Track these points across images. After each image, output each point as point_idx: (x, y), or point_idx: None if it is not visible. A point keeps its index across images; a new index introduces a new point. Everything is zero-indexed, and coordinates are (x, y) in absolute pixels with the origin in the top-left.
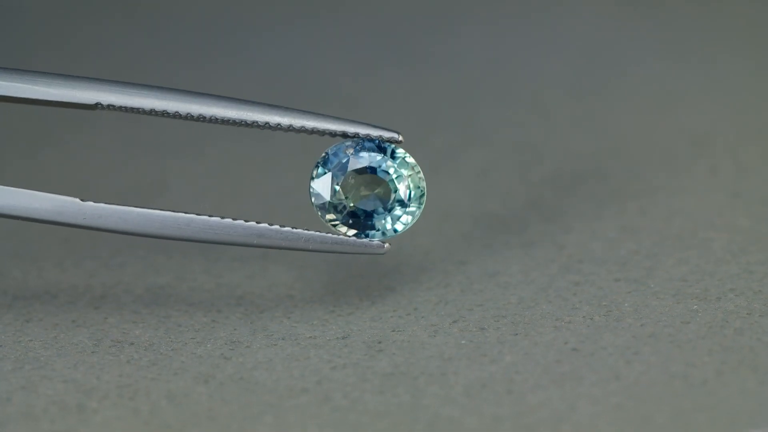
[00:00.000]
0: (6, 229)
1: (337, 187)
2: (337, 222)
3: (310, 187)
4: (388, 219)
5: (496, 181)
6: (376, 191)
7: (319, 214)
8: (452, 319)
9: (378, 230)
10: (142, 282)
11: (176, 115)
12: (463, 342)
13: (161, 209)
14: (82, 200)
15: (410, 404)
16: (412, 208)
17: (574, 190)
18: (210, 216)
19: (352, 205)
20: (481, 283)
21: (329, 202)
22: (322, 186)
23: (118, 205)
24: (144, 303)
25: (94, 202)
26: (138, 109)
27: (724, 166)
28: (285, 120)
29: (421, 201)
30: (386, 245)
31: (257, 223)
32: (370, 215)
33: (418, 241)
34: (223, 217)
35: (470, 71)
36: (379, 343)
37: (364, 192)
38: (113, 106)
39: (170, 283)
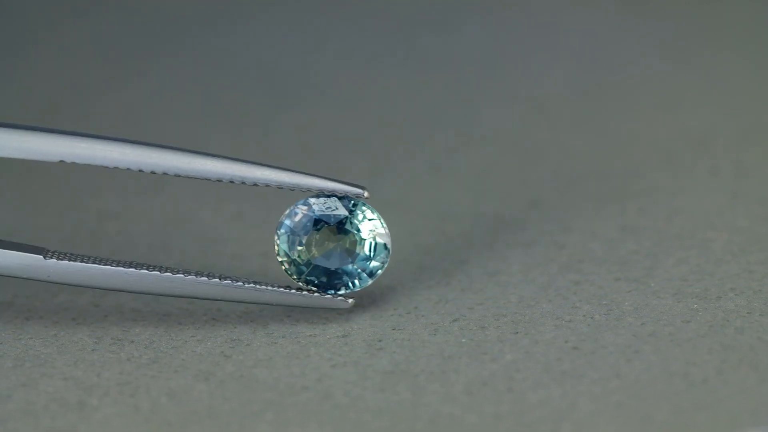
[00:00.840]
0: (6, 227)
1: (301, 247)
2: (301, 280)
3: (275, 243)
4: (354, 275)
5: (496, 181)
6: (341, 243)
7: (284, 268)
8: (452, 318)
9: (342, 287)
10: None
11: (140, 171)
12: (463, 340)
13: (124, 265)
14: (44, 257)
15: (411, 402)
16: (376, 263)
17: (574, 190)
18: (174, 271)
19: (314, 264)
20: (482, 282)
21: (293, 259)
22: (286, 243)
23: (80, 261)
24: (144, 301)
25: (57, 259)
26: (101, 166)
27: (724, 166)
28: (249, 176)
29: (386, 256)
30: (350, 300)
31: (221, 279)
32: (335, 275)
33: (418, 241)
34: (186, 273)
35: (470, 71)
36: (380, 341)
37: (328, 245)
38: (76, 163)
39: None
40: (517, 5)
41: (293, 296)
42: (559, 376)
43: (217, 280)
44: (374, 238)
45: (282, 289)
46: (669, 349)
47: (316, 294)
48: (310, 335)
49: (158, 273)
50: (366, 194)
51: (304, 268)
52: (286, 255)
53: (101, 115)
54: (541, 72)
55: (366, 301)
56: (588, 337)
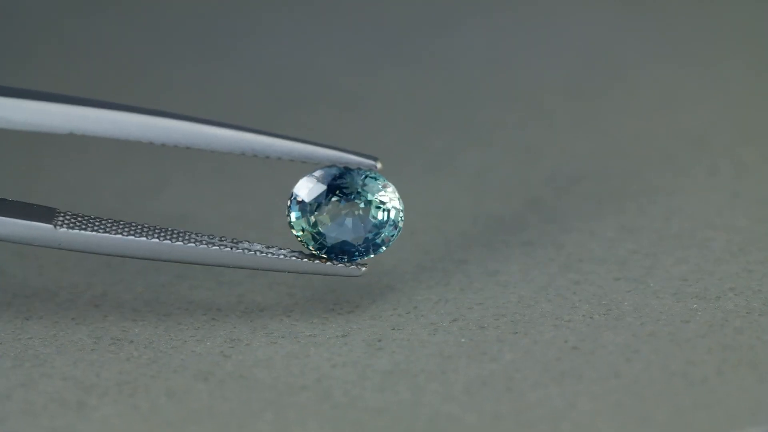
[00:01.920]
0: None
1: (313, 217)
2: (314, 249)
3: (287, 215)
4: (367, 244)
5: (496, 181)
6: (354, 212)
7: (297, 237)
8: (452, 318)
9: (355, 255)
10: (142, 280)
11: (150, 143)
12: (462, 340)
13: (136, 233)
14: (55, 227)
15: (410, 402)
16: (388, 232)
17: (574, 190)
18: (184, 239)
19: (326, 234)
20: (481, 281)
21: (306, 229)
22: (299, 213)
23: (91, 230)
24: (144, 301)
25: (68, 228)
26: (112, 137)
27: (723, 166)
28: (262, 147)
29: (399, 224)
30: (363, 268)
31: (234, 244)
32: (347, 244)
33: (417, 240)
34: (198, 241)
35: (470, 71)
36: (379, 341)
37: (341, 214)
38: (86, 135)
39: (170, 281)
40: (518, 5)
41: (306, 264)
42: (559, 375)
43: (228, 247)
44: (387, 208)
45: (294, 257)
46: (668, 348)
47: (328, 263)
48: (310, 335)
49: (169, 242)
50: (379, 165)
51: (317, 237)
52: (299, 226)
53: None
54: (541, 72)
55: (365, 301)
56: (587, 336)
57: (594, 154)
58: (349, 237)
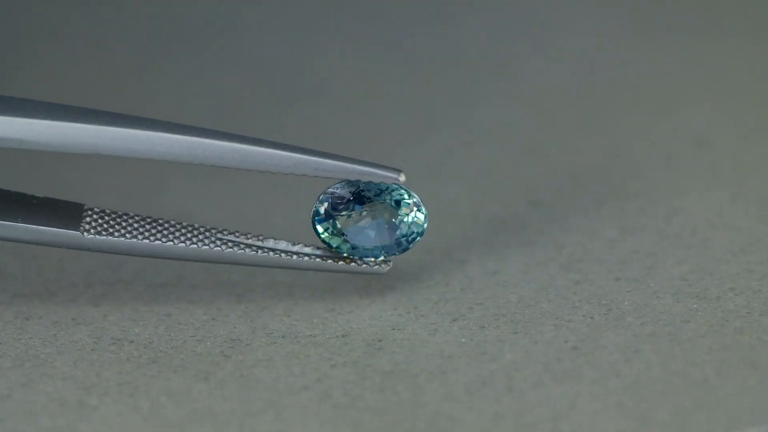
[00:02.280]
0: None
1: (338, 224)
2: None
3: (314, 227)
4: (392, 249)
5: (496, 180)
6: (378, 220)
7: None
8: (452, 318)
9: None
10: (142, 280)
11: (173, 161)
12: (463, 340)
13: (162, 234)
14: (83, 234)
15: (410, 402)
16: (413, 237)
17: (574, 190)
18: (211, 240)
19: (352, 244)
20: (481, 281)
21: (331, 238)
22: (326, 227)
23: (119, 237)
24: (144, 301)
25: (96, 233)
26: (135, 157)
27: (724, 166)
28: (283, 166)
29: (423, 228)
30: (387, 267)
31: (258, 247)
32: (373, 249)
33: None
34: (223, 242)
35: (470, 71)
36: (379, 341)
37: (366, 221)
38: (111, 156)
39: (170, 281)
40: (518, 4)
41: (331, 264)
42: (559, 375)
43: (254, 250)
44: (410, 217)
45: (318, 258)
46: (669, 348)
47: (353, 264)
48: (310, 335)
49: (196, 246)
50: (402, 178)
51: (343, 247)
52: (325, 234)
53: None
54: (541, 71)
55: (365, 301)
56: (587, 336)
57: (595, 154)
58: (375, 244)
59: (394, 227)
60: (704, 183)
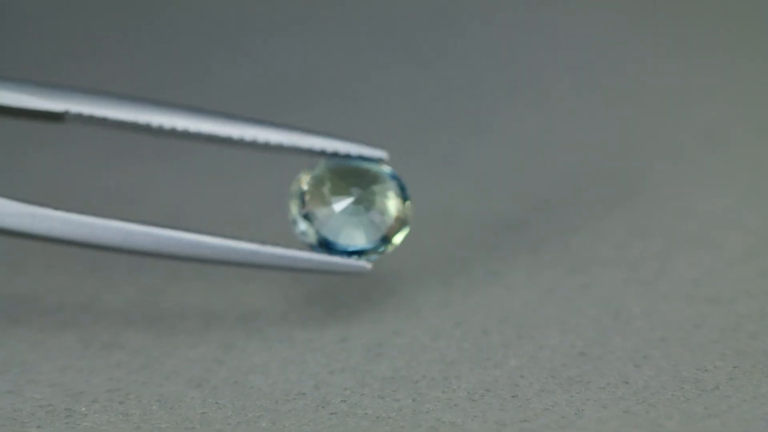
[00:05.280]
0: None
1: (314, 200)
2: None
3: (290, 207)
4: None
5: (500, 180)
6: (359, 190)
7: (300, 231)
8: (454, 322)
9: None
10: (133, 283)
11: (146, 129)
12: (465, 345)
13: (135, 222)
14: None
15: (411, 409)
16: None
17: (581, 189)
18: (190, 232)
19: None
20: (485, 284)
21: (306, 217)
22: (298, 202)
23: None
24: (135, 305)
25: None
26: (106, 119)
27: (737, 164)
28: (261, 136)
29: (407, 221)
30: (368, 265)
31: (228, 239)
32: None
33: (419, 242)
34: (194, 232)
35: (472, 69)
36: (379, 346)
37: (344, 194)
38: (81, 115)
39: (162, 284)
40: (521, 3)
41: (311, 261)
42: (566, 382)
43: (230, 242)
44: (395, 208)
45: (299, 253)
46: (679, 354)
47: (335, 258)
48: (307, 340)
49: (170, 232)
50: (385, 156)
51: (316, 230)
52: (301, 216)
53: None
54: (546, 69)
55: (365, 305)
56: (595, 341)
57: (602, 152)
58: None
59: (373, 227)
60: (716, 183)
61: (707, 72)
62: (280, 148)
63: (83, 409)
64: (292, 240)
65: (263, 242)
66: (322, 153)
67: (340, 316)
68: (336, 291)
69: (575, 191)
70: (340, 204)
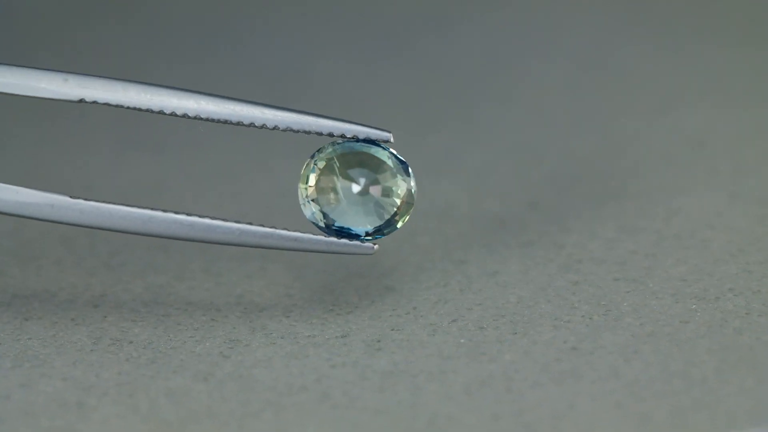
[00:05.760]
0: (5, 227)
1: (326, 177)
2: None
3: (299, 194)
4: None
5: (496, 181)
6: (369, 170)
7: (310, 213)
8: (451, 318)
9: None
10: (142, 281)
11: (160, 112)
12: (462, 341)
13: (150, 208)
14: (71, 197)
15: (409, 402)
16: (397, 222)
17: (573, 190)
18: (197, 216)
19: (335, 220)
20: (480, 282)
21: (313, 199)
22: (310, 176)
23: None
24: (143, 301)
25: (85, 200)
26: (122, 105)
27: (722, 166)
28: (271, 119)
29: (408, 211)
30: (375, 246)
31: (243, 223)
32: (352, 234)
33: (417, 241)
34: (207, 217)
35: (470, 71)
36: (378, 341)
37: (351, 172)
38: (97, 102)
39: (169, 281)
40: (517, 5)
41: (318, 242)
42: (558, 376)
43: (233, 224)
44: (399, 194)
45: (307, 234)
46: (668, 349)
47: (342, 240)
48: (309, 335)
49: (183, 216)
50: (391, 138)
51: (324, 214)
52: (309, 200)
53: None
54: (540, 72)
55: (364, 302)
56: (587, 337)
57: (594, 154)
58: (357, 223)
59: (381, 210)
60: (703, 183)
61: (695, 77)
62: (289, 130)
63: (93, 402)
64: (300, 220)
65: (273, 227)
66: (330, 135)
67: (340, 313)
68: (337, 288)
69: (567, 192)
70: (348, 189)
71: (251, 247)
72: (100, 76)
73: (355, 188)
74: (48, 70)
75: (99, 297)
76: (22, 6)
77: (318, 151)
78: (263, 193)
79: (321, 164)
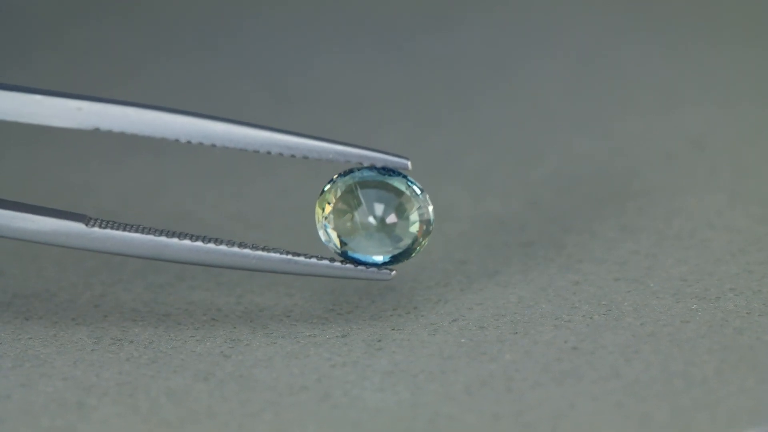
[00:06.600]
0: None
1: (343, 206)
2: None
3: (317, 212)
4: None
5: (496, 181)
6: (390, 202)
7: (325, 239)
8: (452, 318)
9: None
10: (142, 280)
11: (176, 141)
12: (462, 340)
13: (167, 234)
14: (86, 225)
15: (410, 402)
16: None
17: (574, 190)
18: (214, 242)
19: (348, 245)
20: (481, 282)
21: (335, 225)
22: (327, 207)
23: (123, 230)
24: (143, 301)
25: (99, 227)
26: (137, 135)
27: (723, 166)
28: (288, 146)
29: (430, 230)
30: (393, 272)
31: (260, 249)
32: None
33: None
34: (225, 243)
35: (470, 71)
36: (379, 341)
37: (369, 202)
38: (112, 131)
39: (170, 281)
40: (518, 4)
41: (336, 269)
42: (559, 376)
43: (250, 251)
44: (418, 223)
45: (323, 261)
46: (668, 349)
47: (360, 267)
48: (310, 335)
49: (200, 244)
50: (409, 165)
51: (345, 240)
52: (325, 227)
53: None
54: (540, 72)
55: (365, 302)
56: (587, 337)
57: (594, 155)
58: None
59: (396, 239)
60: (703, 184)
61: (696, 77)
62: (306, 158)
63: (94, 402)
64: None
65: (290, 252)
66: (347, 162)
67: (341, 313)
68: (337, 288)
69: (568, 192)
70: (365, 219)
71: (269, 272)
72: (113, 101)
73: (373, 219)
74: (60, 95)
75: (99, 297)
76: (22, 6)
77: (337, 176)
78: (263, 193)
79: (339, 192)
